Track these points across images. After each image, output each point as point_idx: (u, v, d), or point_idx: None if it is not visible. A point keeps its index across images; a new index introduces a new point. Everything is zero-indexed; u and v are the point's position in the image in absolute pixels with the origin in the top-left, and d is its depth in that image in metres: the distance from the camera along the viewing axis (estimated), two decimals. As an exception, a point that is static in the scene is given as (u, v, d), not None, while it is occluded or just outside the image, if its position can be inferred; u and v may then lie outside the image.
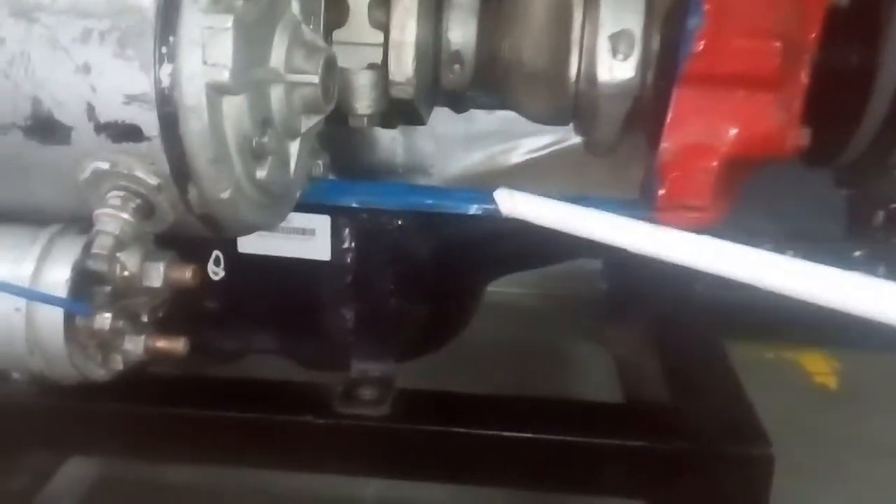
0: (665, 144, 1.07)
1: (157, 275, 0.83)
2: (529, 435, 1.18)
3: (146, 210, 0.81)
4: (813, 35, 1.05)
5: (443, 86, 1.16)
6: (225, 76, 0.76)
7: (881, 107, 1.07)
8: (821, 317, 1.91)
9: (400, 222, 1.19)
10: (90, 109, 0.77)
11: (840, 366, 1.94)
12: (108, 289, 0.82)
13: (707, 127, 1.06)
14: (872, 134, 1.09)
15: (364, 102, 1.08)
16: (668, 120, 1.06)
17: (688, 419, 1.21)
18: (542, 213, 1.07)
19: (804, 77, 1.05)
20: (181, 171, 0.80)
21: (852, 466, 1.61)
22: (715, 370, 1.35)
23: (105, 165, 0.79)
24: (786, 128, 1.05)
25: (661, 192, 1.08)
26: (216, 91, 0.77)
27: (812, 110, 1.06)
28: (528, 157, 1.65)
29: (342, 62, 1.04)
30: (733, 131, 1.05)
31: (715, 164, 1.06)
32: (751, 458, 1.16)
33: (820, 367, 1.94)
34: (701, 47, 1.02)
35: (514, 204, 1.09)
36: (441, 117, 1.26)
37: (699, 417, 1.21)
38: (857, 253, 1.90)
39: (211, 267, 1.17)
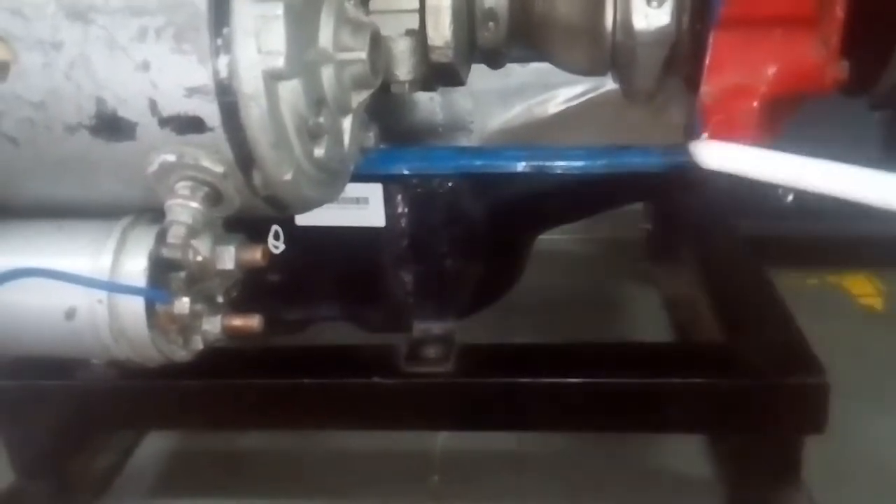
0: (705, 88, 1.05)
1: (229, 257, 0.84)
2: (590, 380, 1.19)
3: (214, 197, 0.82)
4: (846, -32, 1.03)
5: (479, 44, 1.16)
6: (280, 62, 0.76)
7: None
8: (862, 238, 1.89)
9: (450, 184, 1.19)
10: (153, 105, 0.78)
11: (885, 287, 1.91)
12: (183, 274, 0.83)
13: (746, 68, 1.04)
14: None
15: (404, 69, 1.07)
16: (707, 64, 1.05)
17: (743, 354, 1.21)
18: (742, 164, 1.02)
19: (840, 11, 1.03)
20: (245, 157, 0.80)
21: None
22: (765, 302, 1.34)
23: (172, 157, 0.79)
24: (824, 63, 1.04)
25: (705, 135, 1.06)
26: (272, 77, 0.78)
27: (848, 43, 1.04)
28: (564, 106, 1.64)
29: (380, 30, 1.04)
30: (772, 70, 1.04)
31: (756, 104, 1.05)
32: (807, 388, 1.15)
33: (864, 289, 1.91)
34: (736, -10, 1.01)
35: (713, 156, 1.04)
36: (477, 74, 1.25)
37: (754, 351, 1.20)
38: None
39: (271, 241, 1.18)
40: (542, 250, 1.43)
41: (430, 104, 1.58)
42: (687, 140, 1.10)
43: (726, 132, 1.05)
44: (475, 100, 1.61)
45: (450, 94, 1.58)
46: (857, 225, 1.81)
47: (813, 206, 1.81)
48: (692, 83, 1.08)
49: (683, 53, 1.08)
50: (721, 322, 1.33)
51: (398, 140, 1.46)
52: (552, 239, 1.83)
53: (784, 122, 1.09)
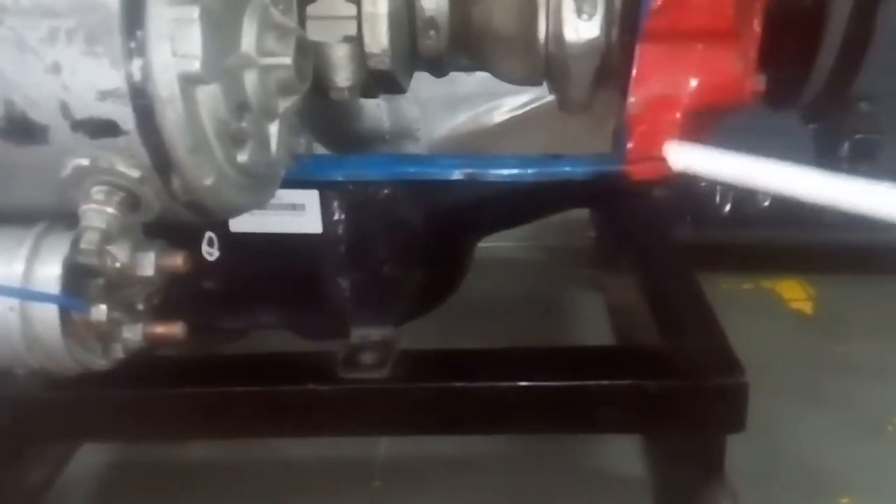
0: (631, 99, 1.04)
1: (148, 264, 0.80)
2: (525, 384, 1.15)
3: (131, 202, 0.77)
4: (763, -17, 1.03)
5: (420, 52, 1.12)
6: (196, 66, 0.72)
7: (833, 44, 1.06)
8: (795, 245, 1.90)
9: (387, 191, 1.14)
10: (64, 108, 0.73)
11: (815, 292, 1.93)
12: (101, 281, 0.78)
13: (670, 80, 1.03)
14: (827, 72, 1.08)
15: (343, 75, 1.04)
16: (633, 75, 1.03)
17: (669, 357, 1.19)
18: (714, 167, 0.99)
19: (757, 26, 1.03)
20: (161, 162, 0.75)
21: (826, 387, 1.60)
22: (692, 306, 1.31)
23: (85, 162, 0.74)
24: (743, 76, 1.03)
25: (630, 145, 1.05)
26: (189, 81, 0.73)
27: (769, 56, 1.04)
28: (511, 114, 1.61)
29: (317, 36, 0.99)
30: (694, 83, 1.03)
31: (678, 115, 1.03)
32: (727, 388, 1.13)
33: (796, 293, 1.93)
34: (659, 3, 0.99)
35: (685, 159, 1.01)
36: (424, 82, 1.21)
37: (680, 354, 1.19)
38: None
39: (205, 248, 1.13)
40: (491, 257, 1.40)
41: (376, 111, 1.54)
42: (614, 148, 1.07)
43: (650, 142, 1.03)
44: (422, 107, 1.58)
45: (397, 102, 1.54)
46: (790, 233, 1.83)
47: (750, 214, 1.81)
48: (625, 94, 1.06)
49: (615, 65, 1.06)
50: (654, 326, 1.30)
51: (345, 147, 1.42)
52: (500, 246, 1.81)
53: (709, 132, 1.07)
